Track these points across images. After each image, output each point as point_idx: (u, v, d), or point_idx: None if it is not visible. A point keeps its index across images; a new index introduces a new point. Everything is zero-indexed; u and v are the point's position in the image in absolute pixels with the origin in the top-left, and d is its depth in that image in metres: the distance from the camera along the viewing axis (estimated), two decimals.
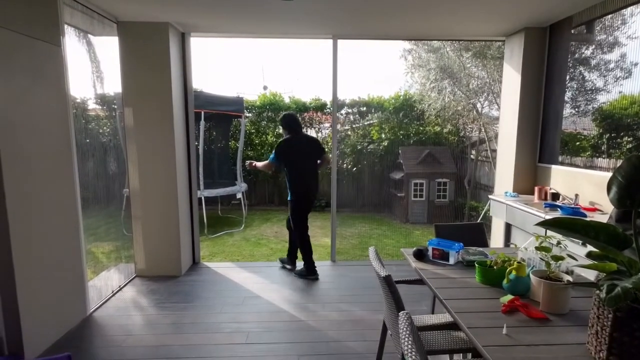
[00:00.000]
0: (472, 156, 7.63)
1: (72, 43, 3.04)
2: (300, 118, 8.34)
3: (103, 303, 3.21)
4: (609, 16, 3.26)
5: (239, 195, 6.79)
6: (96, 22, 3.28)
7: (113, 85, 3.73)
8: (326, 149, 4.01)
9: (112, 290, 3.43)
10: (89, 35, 3.43)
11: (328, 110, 8.21)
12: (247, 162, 4.02)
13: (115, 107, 3.98)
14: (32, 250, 2.39)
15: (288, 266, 4.04)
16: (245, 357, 2.45)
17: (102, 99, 3.85)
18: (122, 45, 3.57)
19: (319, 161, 3.91)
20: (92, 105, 3.73)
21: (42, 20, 2.52)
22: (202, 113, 6.04)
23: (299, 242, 3.87)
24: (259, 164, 3.94)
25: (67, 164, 2.75)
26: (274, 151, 3.76)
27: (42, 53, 2.51)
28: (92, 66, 3.60)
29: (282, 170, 3.82)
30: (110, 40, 3.53)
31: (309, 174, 3.81)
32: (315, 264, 3.86)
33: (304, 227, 3.85)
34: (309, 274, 3.81)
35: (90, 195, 3.40)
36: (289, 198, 3.82)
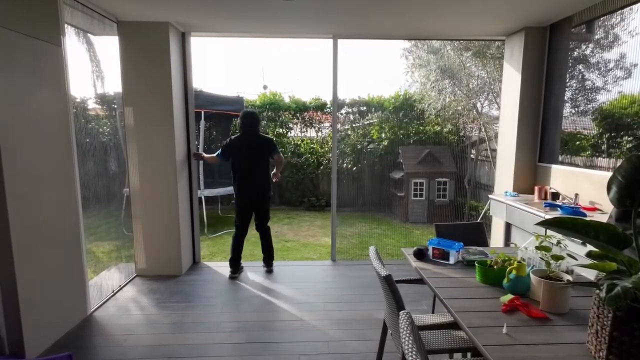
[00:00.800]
0: (472, 156, 7.63)
1: (72, 43, 3.05)
2: (300, 117, 8.35)
3: (103, 303, 3.21)
4: (609, 16, 3.26)
5: None
6: (96, 21, 3.28)
7: (113, 84, 3.73)
8: (280, 150, 3.97)
9: (113, 290, 3.43)
10: (89, 35, 3.43)
11: (328, 109, 8.21)
12: (194, 153, 4.09)
13: (116, 106, 3.98)
14: (33, 250, 2.39)
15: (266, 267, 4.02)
16: (246, 356, 2.45)
17: (102, 99, 3.85)
18: (123, 44, 3.56)
19: (272, 163, 3.90)
20: (92, 104, 3.73)
21: (43, 20, 2.52)
22: (202, 112, 6.04)
23: (233, 240, 3.89)
24: (206, 156, 4.06)
25: (68, 163, 2.76)
26: (221, 147, 3.83)
27: (43, 52, 2.51)
28: (93, 66, 3.60)
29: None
30: (110, 39, 3.53)
31: (251, 177, 3.77)
32: (317, 264, 3.85)
33: (241, 228, 3.87)
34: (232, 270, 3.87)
35: (90, 194, 3.40)
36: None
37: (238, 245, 3.87)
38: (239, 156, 3.77)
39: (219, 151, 3.81)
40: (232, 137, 3.87)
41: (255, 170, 3.77)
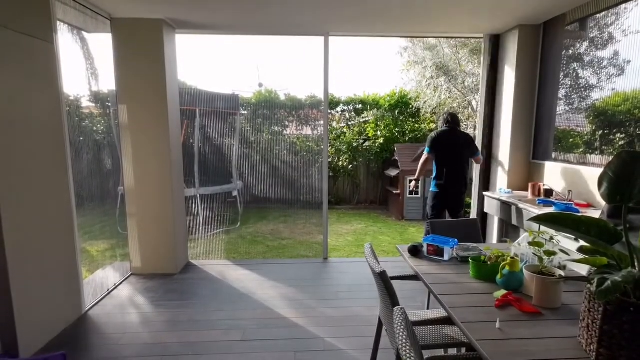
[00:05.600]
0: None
1: (65, 40, 3.02)
2: (296, 115, 8.33)
3: (98, 301, 3.20)
4: (602, 13, 3.28)
5: (235, 193, 6.79)
6: (89, 18, 3.25)
7: (107, 82, 3.71)
8: (479, 149, 3.98)
9: (108, 289, 3.42)
10: (83, 32, 3.41)
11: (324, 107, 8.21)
12: (411, 182, 4.01)
13: (109, 104, 3.95)
14: (26, 248, 2.38)
15: None
16: (241, 354, 2.45)
17: (96, 97, 3.83)
18: (116, 42, 3.54)
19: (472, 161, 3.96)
20: (85, 102, 3.71)
21: (34, 17, 2.50)
22: (198, 110, 6.02)
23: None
24: (417, 174, 4.08)
25: (61, 161, 2.73)
26: (427, 144, 3.86)
27: (35, 50, 2.49)
28: (86, 63, 3.57)
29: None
30: (104, 37, 3.50)
31: (453, 172, 3.79)
32: (311, 262, 3.85)
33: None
34: None
35: (84, 193, 3.38)
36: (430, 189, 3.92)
37: None
38: (443, 151, 3.81)
39: (428, 149, 3.85)
40: (435, 132, 3.90)
41: (455, 167, 3.80)
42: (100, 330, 2.76)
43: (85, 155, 3.43)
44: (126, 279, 3.71)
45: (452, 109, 7.45)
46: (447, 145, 3.82)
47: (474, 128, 7.38)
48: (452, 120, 3.90)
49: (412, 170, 7.22)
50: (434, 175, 3.87)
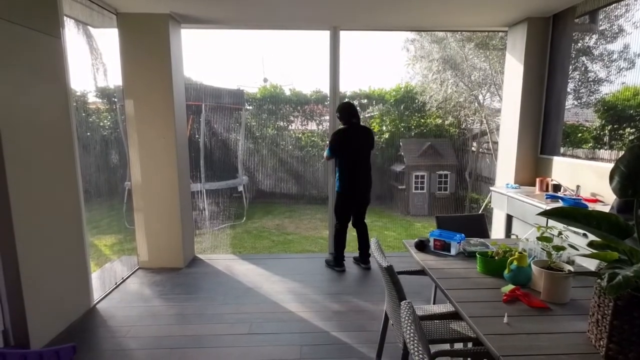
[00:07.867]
0: (473, 148, 7.61)
1: (72, 35, 3.03)
2: (301, 110, 8.32)
3: (106, 295, 3.23)
4: (613, 6, 3.22)
5: (240, 188, 6.81)
6: (96, 13, 3.25)
7: (114, 77, 3.72)
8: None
9: (116, 282, 3.46)
10: (89, 27, 3.41)
11: (329, 102, 8.19)
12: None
13: (116, 99, 3.97)
14: (36, 243, 2.40)
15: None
16: (248, 347, 2.47)
17: (103, 92, 3.85)
18: (122, 37, 3.54)
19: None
20: (92, 98, 3.73)
21: (41, 12, 2.50)
22: (203, 106, 6.03)
23: (335, 234, 3.85)
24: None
25: (69, 157, 2.75)
26: (329, 145, 3.71)
27: (42, 45, 2.49)
28: (93, 58, 3.59)
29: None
30: (110, 32, 3.51)
31: (359, 168, 3.74)
32: (316, 256, 3.84)
33: (344, 221, 3.83)
34: (337, 265, 3.80)
35: (92, 188, 3.41)
36: (336, 190, 3.81)
37: (345, 241, 3.87)
38: (347, 149, 3.68)
39: (329, 152, 3.72)
40: (336, 130, 3.72)
41: (363, 163, 3.77)
42: (109, 323, 2.79)
43: (93, 151, 3.46)
44: (134, 272, 3.75)
45: (459, 104, 7.40)
46: (355, 147, 3.69)
47: (480, 123, 7.32)
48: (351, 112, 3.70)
49: (418, 165, 7.20)
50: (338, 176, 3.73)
